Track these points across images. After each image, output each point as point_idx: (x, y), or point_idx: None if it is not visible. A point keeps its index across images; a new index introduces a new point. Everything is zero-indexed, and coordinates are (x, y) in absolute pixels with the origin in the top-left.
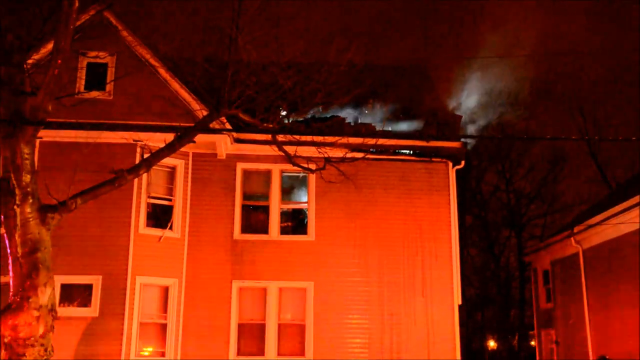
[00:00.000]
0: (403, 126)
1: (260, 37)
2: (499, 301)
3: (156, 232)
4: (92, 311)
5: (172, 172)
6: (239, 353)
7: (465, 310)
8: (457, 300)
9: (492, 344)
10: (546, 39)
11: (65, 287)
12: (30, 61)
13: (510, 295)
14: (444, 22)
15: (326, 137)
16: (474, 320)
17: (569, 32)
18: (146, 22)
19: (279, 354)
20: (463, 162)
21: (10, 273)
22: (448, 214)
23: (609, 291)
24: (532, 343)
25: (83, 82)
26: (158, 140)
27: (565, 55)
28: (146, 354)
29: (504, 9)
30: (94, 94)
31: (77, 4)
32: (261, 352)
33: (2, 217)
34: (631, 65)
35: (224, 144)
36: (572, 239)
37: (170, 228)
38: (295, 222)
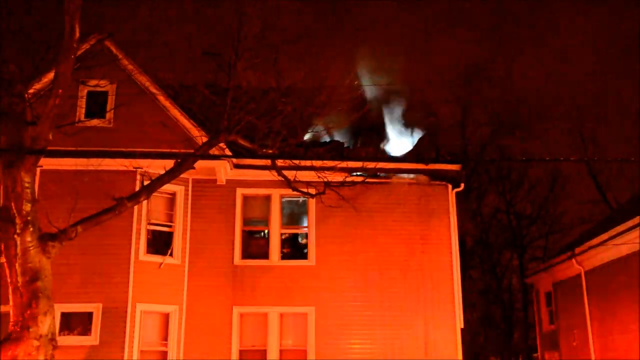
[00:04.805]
0: (402, 149)
1: (259, 63)
2: (501, 323)
3: (156, 258)
4: (92, 339)
5: (172, 199)
6: None
7: (468, 333)
8: (460, 323)
9: None
10: (545, 59)
11: (65, 316)
12: (31, 91)
13: (513, 317)
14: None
15: (325, 162)
16: (476, 343)
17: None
18: (146, 50)
19: None
20: (463, 185)
21: (10, 302)
22: (449, 236)
23: (612, 313)
24: None
25: (83, 110)
26: (158, 167)
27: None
28: None
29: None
30: (95, 122)
31: (77, 34)
32: None
33: (2, 246)
34: (629, 82)
35: (223, 170)
36: (573, 260)
37: (171, 254)
38: (295, 247)
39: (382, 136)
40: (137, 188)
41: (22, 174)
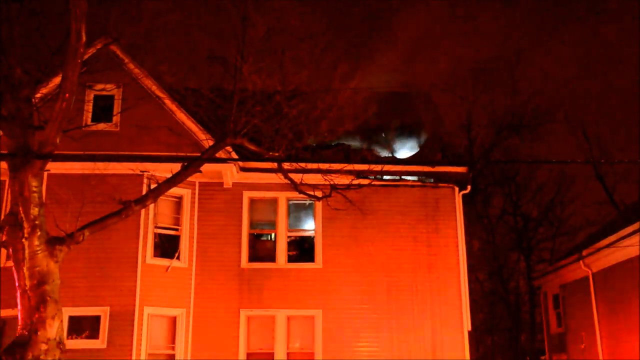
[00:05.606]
0: (408, 152)
1: (264, 66)
2: (509, 326)
3: (163, 262)
4: (100, 343)
5: (178, 202)
6: None
7: (475, 336)
8: (467, 325)
9: None
10: (548, 59)
11: (72, 319)
12: (38, 95)
13: (521, 319)
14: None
15: (332, 165)
16: (484, 346)
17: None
18: (152, 54)
19: None
20: (469, 187)
21: (19, 306)
22: (455, 238)
23: (620, 315)
24: None
25: (90, 114)
26: (165, 170)
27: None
28: None
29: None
30: (101, 126)
31: (84, 39)
32: None
33: (11, 250)
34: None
35: (230, 173)
36: (581, 262)
37: (178, 258)
38: (302, 249)
39: (388, 138)
40: (144, 192)
41: (29, 178)
